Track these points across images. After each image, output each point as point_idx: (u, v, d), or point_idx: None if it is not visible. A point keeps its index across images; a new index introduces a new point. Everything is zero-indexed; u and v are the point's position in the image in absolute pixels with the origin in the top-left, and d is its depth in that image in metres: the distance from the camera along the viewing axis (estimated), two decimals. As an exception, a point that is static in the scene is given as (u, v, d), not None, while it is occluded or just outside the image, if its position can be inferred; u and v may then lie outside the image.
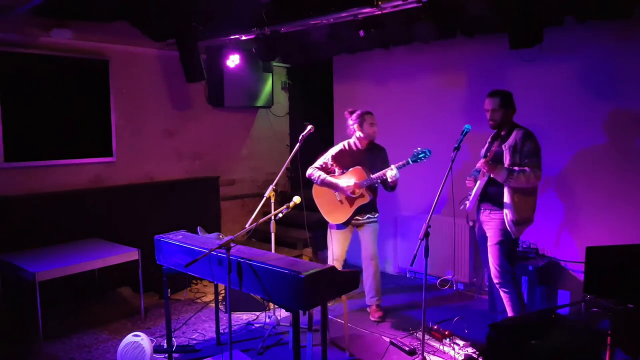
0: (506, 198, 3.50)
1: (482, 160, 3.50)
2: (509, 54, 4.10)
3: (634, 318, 2.87)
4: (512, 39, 3.59)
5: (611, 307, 2.89)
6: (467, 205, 3.77)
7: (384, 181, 4.15)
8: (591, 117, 4.24)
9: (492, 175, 3.51)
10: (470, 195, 3.75)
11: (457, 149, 3.37)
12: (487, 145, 3.76)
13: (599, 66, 4.18)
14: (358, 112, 4.29)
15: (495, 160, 3.54)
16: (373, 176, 4.13)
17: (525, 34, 3.50)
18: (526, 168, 3.42)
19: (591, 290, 3.11)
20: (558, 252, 4.47)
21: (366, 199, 4.22)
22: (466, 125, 3.42)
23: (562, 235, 4.44)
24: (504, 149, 3.53)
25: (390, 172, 4.02)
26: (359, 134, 4.28)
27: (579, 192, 4.36)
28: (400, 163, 4.03)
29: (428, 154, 3.93)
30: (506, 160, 3.49)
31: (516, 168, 3.43)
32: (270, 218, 3.74)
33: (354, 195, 4.22)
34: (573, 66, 4.30)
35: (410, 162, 3.98)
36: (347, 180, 4.19)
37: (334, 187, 4.24)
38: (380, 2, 3.80)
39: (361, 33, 4.31)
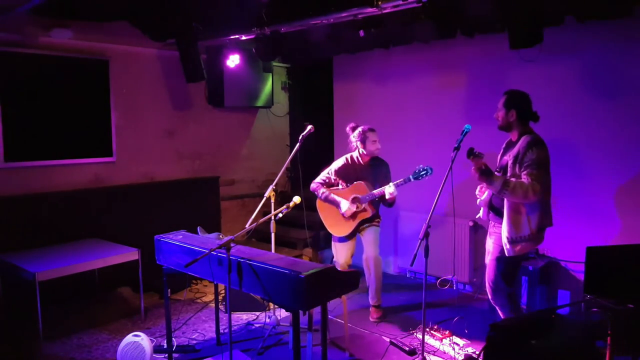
0: (505, 212, 3.22)
1: (473, 169, 3.19)
2: (509, 54, 4.10)
3: (634, 318, 2.87)
4: (512, 39, 3.58)
5: (611, 307, 2.89)
6: (483, 214, 3.58)
7: (382, 198, 4.17)
8: (591, 116, 4.24)
9: (486, 186, 3.28)
10: (482, 202, 3.60)
11: (457, 149, 3.30)
12: (502, 151, 3.51)
13: (599, 66, 4.17)
14: (360, 129, 4.26)
15: (503, 171, 3.33)
16: (374, 192, 4.15)
17: (525, 34, 3.49)
18: (524, 180, 3.09)
19: (591, 290, 3.11)
20: (558, 252, 4.47)
21: (368, 214, 4.24)
22: (466, 125, 3.39)
23: (562, 235, 4.44)
24: (509, 157, 3.28)
25: (389, 189, 4.01)
26: (361, 150, 4.28)
27: (578, 191, 4.36)
28: (400, 180, 4.01)
29: (430, 171, 3.87)
30: (509, 171, 3.24)
31: (513, 179, 3.13)
32: (270, 218, 3.75)
33: (357, 210, 4.24)
34: (573, 66, 4.30)
35: (412, 179, 3.95)
36: (347, 200, 4.23)
37: (337, 205, 4.29)
38: (380, 2, 3.80)
39: (361, 33, 4.31)
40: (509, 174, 3.24)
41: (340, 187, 4.38)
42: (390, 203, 4.16)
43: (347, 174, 4.35)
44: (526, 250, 3.25)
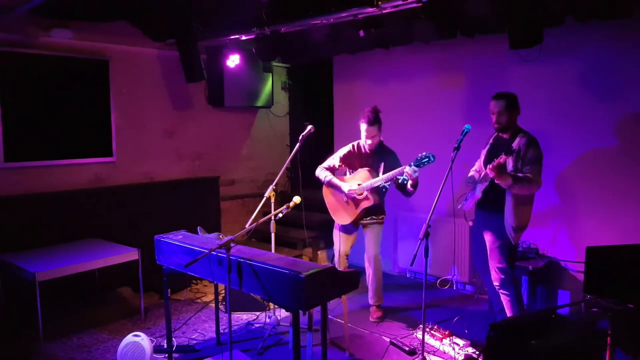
0: (507, 204, 3.47)
1: (490, 166, 3.33)
2: (509, 54, 4.10)
3: (634, 318, 2.87)
4: (512, 39, 3.58)
5: (611, 307, 2.89)
6: (465, 205, 3.77)
7: (401, 185, 4.08)
8: (591, 117, 4.24)
9: (497, 181, 3.39)
10: (468, 195, 3.75)
11: (457, 149, 3.35)
12: (488, 146, 3.72)
13: (599, 66, 4.17)
14: (360, 120, 4.21)
15: (499, 168, 3.42)
16: (377, 178, 4.10)
17: (525, 34, 3.49)
18: (529, 175, 3.39)
19: (591, 290, 3.11)
20: (558, 252, 4.47)
21: (370, 202, 4.20)
22: (466, 125, 3.41)
23: (562, 235, 4.44)
24: (507, 155, 3.47)
25: (408, 169, 3.78)
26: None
27: (578, 192, 4.36)
28: (400, 168, 3.94)
29: (432, 158, 3.73)
30: (509, 167, 3.45)
31: (520, 175, 3.39)
32: (270, 218, 3.75)
33: (359, 197, 4.23)
34: (573, 66, 4.30)
35: (413, 167, 3.90)
36: (350, 184, 4.21)
37: (339, 189, 4.27)
38: (380, 2, 3.80)
39: (361, 33, 4.31)
40: (509, 170, 3.44)
41: (347, 174, 4.36)
42: (413, 186, 3.95)
43: (352, 161, 4.33)
44: (521, 236, 3.65)
